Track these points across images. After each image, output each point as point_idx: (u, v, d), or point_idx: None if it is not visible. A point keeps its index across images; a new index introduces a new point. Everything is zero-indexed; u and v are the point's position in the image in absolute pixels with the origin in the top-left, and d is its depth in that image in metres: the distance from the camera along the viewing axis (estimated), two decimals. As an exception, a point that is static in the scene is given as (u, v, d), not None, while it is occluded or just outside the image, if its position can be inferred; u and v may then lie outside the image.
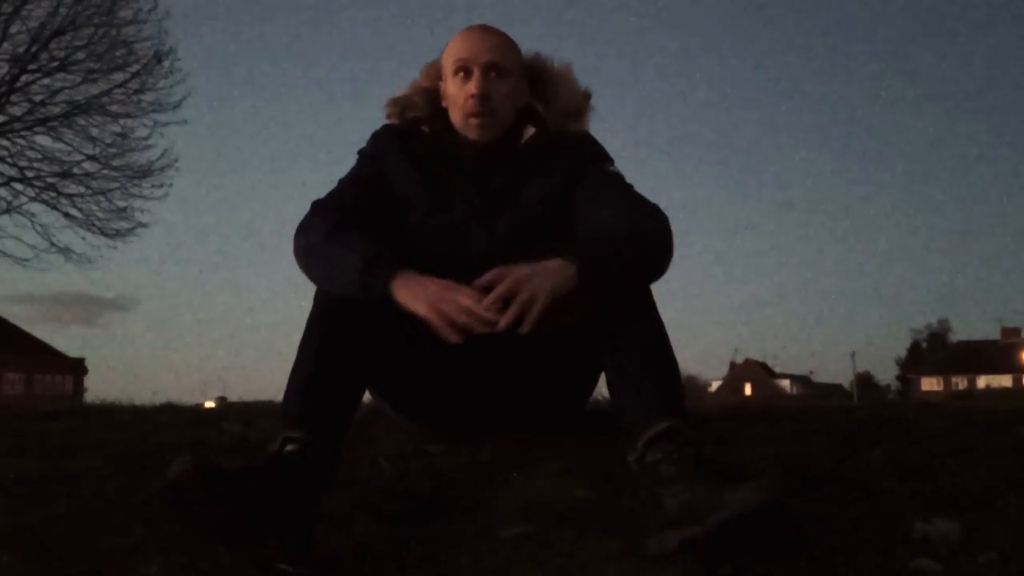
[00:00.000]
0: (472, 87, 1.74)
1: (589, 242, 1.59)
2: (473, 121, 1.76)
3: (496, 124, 1.78)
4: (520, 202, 1.79)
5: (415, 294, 1.49)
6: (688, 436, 1.43)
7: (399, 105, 1.86)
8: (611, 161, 1.85)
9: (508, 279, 1.45)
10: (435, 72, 1.87)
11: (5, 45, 14.54)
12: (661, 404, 1.45)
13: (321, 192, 1.89)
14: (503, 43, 1.80)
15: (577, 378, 1.86)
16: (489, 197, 1.79)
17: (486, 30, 1.81)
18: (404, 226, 1.81)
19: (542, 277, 1.46)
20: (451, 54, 1.79)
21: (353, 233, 1.61)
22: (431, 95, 1.86)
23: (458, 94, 1.77)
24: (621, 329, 1.53)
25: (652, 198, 1.73)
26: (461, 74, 1.76)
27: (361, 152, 1.90)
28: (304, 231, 1.68)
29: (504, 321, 1.44)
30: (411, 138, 1.85)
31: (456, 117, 1.79)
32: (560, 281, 1.46)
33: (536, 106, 1.85)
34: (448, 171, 1.81)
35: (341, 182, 1.85)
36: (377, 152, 1.87)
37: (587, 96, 1.86)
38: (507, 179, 1.80)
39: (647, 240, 1.60)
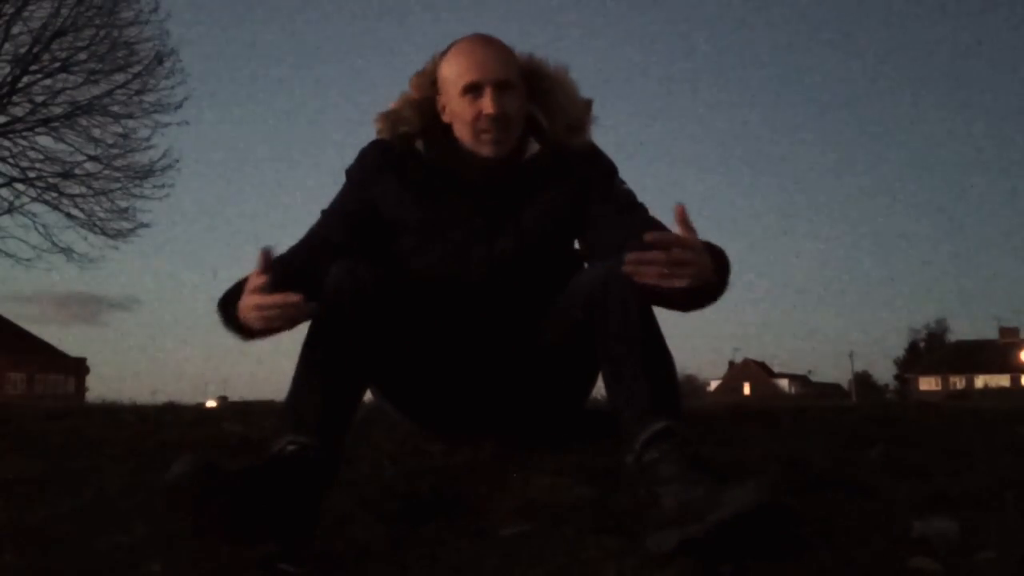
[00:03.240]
0: (488, 106, 1.70)
1: (716, 253, 1.52)
2: (487, 137, 1.73)
3: (511, 140, 1.76)
4: (521, 220, 1.77)
5: (246, 317, 1.54)
6: (684, 436, 1.43)
7: (389, 120, 1.81)
8: (617, 172, 1.83)
9: (689, 242, 1.42)
10: (426, 82, 1.81)
11: (7, 46, 14.51)
12: (657, 405, 1.45)
13: (317, 198, 1.90)
14: (507, 56, 1.75)
15: (575, 378, 1.86)
16: (489, 215, 1.77)
17: (488, 43, 1.76)
18: (401, 249, 1.80)
19: (706, 261, 1.44)
20: (457, 73, 1.73)
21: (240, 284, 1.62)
22: (423, 107, 1.80)
23: (468, 111, 1.72)
24: (617, 330, 1.53)
25: (652, 196, 1.76)
26: (471, 94, 1.72)
27: (348, 173, 1.86)
28: None
29: (655, 273, 1.39)
30: (404, 156, 1.80)
31: (466, 133, 1.75)
32: (709, 276, 1.45)
33: (537, 115, 1.81)
34: (446, 190, 1.78)
35: (324, 214, 1.84)
36: (365, 175, 1.83)
37: (588, 105, 1.82)
38: (508, 196, 1.78)
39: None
